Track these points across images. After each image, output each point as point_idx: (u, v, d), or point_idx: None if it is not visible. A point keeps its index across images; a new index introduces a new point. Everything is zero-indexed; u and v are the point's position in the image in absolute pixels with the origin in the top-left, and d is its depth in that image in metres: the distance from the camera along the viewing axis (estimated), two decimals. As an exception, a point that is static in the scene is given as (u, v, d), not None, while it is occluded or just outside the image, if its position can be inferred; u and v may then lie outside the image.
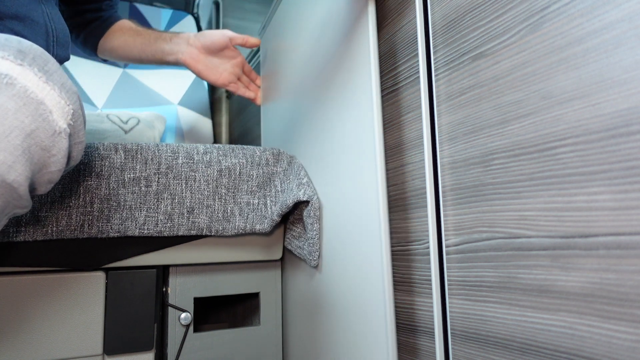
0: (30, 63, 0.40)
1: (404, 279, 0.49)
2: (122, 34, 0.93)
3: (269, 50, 0.90)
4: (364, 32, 0.52)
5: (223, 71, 0.89)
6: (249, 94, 0.92)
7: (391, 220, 0.51)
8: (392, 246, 0.51)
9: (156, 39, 0.89)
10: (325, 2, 0.64)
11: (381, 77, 0.55)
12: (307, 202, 0.62)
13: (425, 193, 0.45)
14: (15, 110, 0.37)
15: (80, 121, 0.44)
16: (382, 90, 0.54)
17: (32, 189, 0.42)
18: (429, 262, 0.45)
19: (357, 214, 0.52)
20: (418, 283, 0.46)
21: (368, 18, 0.51)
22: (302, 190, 0.62)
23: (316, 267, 0.63)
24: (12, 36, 0.41)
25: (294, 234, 0.69)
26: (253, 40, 0.87)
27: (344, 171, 0.56)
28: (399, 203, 0.50)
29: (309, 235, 0.62)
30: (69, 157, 0.44)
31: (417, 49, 0.47)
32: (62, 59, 0.72)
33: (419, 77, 0.47)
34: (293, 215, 0.69)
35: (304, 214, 0.63)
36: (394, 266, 0.51)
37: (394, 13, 0.52)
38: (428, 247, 0.45)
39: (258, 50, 1.01)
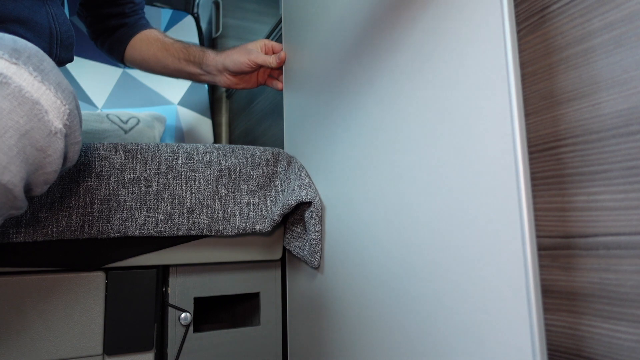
0: (25, 62, 0.39)
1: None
2: (150, 45, 0.90)
3: (293, 17, 0.77)
4: None
5: (255, 75, 0.86)
6: (280, 86, 0.84)
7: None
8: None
9: (187, 62, 0.88)
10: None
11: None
12: (309, 203, 0.62)
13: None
14: (9, 110, 0.37)
15: (77, 121, 0.43)
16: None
17: (27, 189, 0.41)
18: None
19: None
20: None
21: None
22: (305, 191, 0.61)
23: (317, 268, 0.63)
24: (7, 35, 0.41)
25: (294, 234, 0.69)
26: (283, 56, 0.79)
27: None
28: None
29: (310, 236, 0.62)
30: (65, 158, 0.43)
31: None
32: (65, 61, 0.72)
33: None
34: (293, 215, 0.69)
35: (306, 215, 0.63)
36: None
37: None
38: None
39: (279, 22, 0.90)
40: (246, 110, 1.22)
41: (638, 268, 0.28)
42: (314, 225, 0.61)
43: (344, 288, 0.55)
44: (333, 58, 0.60)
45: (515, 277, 0.30)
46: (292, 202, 0.61)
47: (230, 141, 1.38)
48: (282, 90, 0.81)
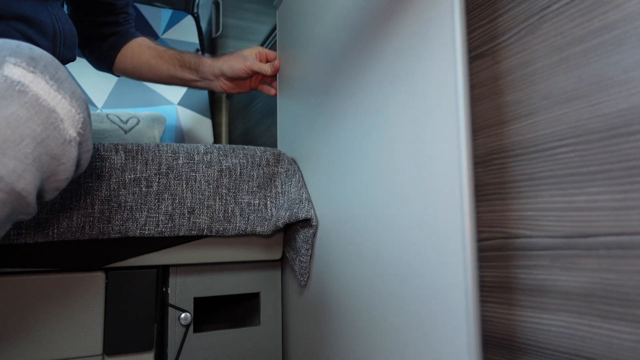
0: (42, 71, 0.40)
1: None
2: (142, 53, 0.91)
3: (287, 26, 0.80)
4: None
5: (249, 81, 0.89)
6: (273, 92, 0.87)
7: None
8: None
9: (182, 68, 0.89)
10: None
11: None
12: (306, 222, 0.64)
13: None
14: (27, 119, 0.37)
15: (89, 130, 0.44)
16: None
17: (39, 196, 0.42)
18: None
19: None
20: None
21: None
22: (306, 208, 0.63)
23: (304, 286, 0.66)
24: (24, 43, 0.41)
25: (291, 244, 0.70)
26: (277, 65, 0.83)
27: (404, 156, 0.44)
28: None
29: (301, 258, 0.65)
30: (77, 165, 0.44)
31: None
32: (67, 60, 0.72)
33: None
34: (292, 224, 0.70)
35: (300, 237, 0.65)
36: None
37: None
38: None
39: (274, 29, 0.93)
40: (246, 111, 1.22)
41: (638, 268, 0.28)
42: (306, 249, 0.64)
43: (331, 295, 0.55)
44: (322, 68, 0.64)
45: (455, 274, 0.35)
46: (302, 215, 0.62)
47: (230, 141, 1.38)
48: (274, 96, 0.85)
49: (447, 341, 0.36)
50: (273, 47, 0.88)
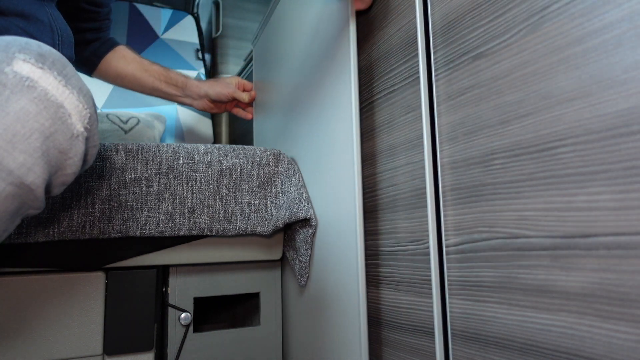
0: (50, 67, 0.40)
1: (404, 279, 0.49)
2: (127, 64, 0.98)
3: (261, 58, 0.99)
4: (345, 48, 0.55)
5: (226, 104, 1.03)
6: (249, 116, 1.04)
7: (391, 221, 0.51)
8: (392, 246, 0.51)
9: (167, 84, 0.99)
10: (312, 17, 0.67)
11: (376, 80, 0.56)
12: (305, 222, 0.64)
13: (425, 193, 0.45)
14: (36, 113, 0.38)
15: (96, 125, 0.44)
16: (377, 93, 0.56)
17: (46, 190, 0.42)
18: (429, 262, 0.45)
19: (336, 218, 0.57)
20: (418, 283, 0.46)
21: (350, 35, 0.54)
22: (306, 208, 0.63)
23: (304, 286, 0.66)
24: (32, 40, 0.42)
25: (291, 244, 0.70)
26: (254, 95, 1.00)
27: (327, 175, 0.61)
28: (399, 203, 0.50)
29: (301, 258, 0.65)
30: (84, 161, 0.44)
31: (417, 49, 0.47)
32: (67, 58, 0.72)
33: (419, 77, 0.47)
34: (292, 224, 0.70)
35: (300, 236, 0.65)
36: (393, 266, 0.51)
37: (393, 14, 0.52)
38: (428, 247, 0.45)
39: (251, 60, 1.11)
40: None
41: (638, 268, 0.28)
42: (306, 249, 0.64)
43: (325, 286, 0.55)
44: (286, 94, 0.80)
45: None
46: (302, 215, 0.63)
47: (231, 141, 1.38)
48: (251, 119, 1.04)
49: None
50: (248, 77, 1.06)
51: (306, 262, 0.65)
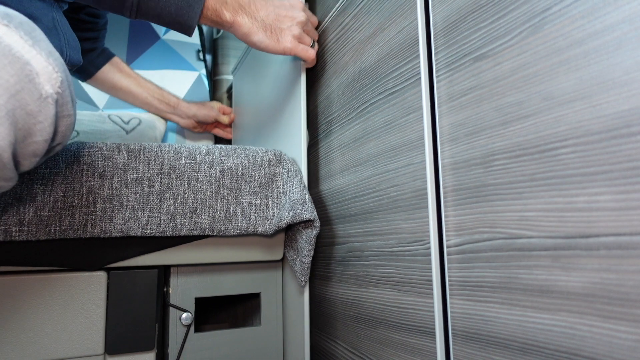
0: (17, 26, 0.38)
1: (405, 279, 0.49)
2: (123, 78, 1.07)
3: (239, 89, 1.16)
4: (298, 94, 0.72)
5: (207, 125, 1.19)
6: (229, 136, 1.20)
7: (392, 221, 0.51)
8: (392, 247, 0.51)
9: (160, 101, 1.12)
10: (277, 63, 0.83)
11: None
12: (308, 223, 0.65)
13: (426, 194, 0.45)
14: None
15: (68, 93, 0.41)
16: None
17: (15, 162, 0.39)
18: (429, 263, 0.45)
19: None
20: (419, 283, 0.46)
21: (301, 85, 0.71)
22: (310, 209, 0.64)
23: (304, 287, 0.67)
24: (1, 5, 0.40)
25: (292, 244, 0.71)
26: (233, 117, 1.18)
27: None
28: (400, 204, 0.50)
29: (303, 259, 0.65)
30: (55, 131, 0.41)
31: (418, 50, 0.48)
32: (74, 63, 0.74)
33: (420, 78, 0.47)
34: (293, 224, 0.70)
35: (302, 237, 0.65)
36: (394, 267, 0.51)
37: (395, 15, 0.52)
38: (429, 248, 0.45)
39: (230, 88, 1.31)
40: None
41: (639, 268, 0.28)
42: (309, 250, 0.65)
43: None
44: (256, 121, 0.97)
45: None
46: (306, 216, 0.63)
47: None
48: (230, 139, 1.20)
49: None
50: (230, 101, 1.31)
51: (308, 262, 0.65)
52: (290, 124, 0.74)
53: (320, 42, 0.73)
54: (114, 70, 1.05)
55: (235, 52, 1.42)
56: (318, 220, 0.64)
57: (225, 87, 1.34)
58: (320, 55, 0.73)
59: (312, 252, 0.65)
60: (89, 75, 1.04)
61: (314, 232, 0.64)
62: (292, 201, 0.65)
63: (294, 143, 0.72)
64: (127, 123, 1.10)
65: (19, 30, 0.38)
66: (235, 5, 0.61)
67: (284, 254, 0.74)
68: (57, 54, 0.41)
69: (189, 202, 0.63)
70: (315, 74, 0.75)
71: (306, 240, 0.64)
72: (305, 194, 0.66)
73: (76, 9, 0.93)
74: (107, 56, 1.05)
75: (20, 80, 0.37)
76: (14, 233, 0.55)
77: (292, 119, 0.73)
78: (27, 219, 0.55)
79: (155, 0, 0.57)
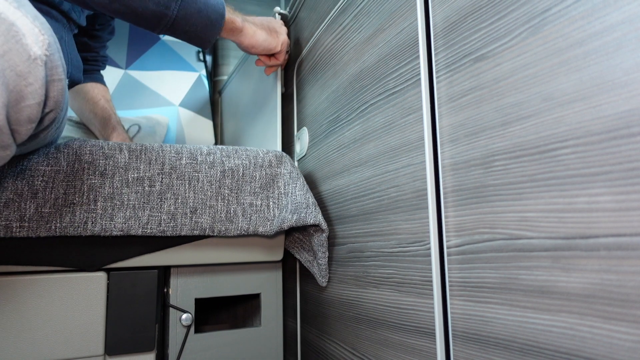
0: None
1: (405, 280, 0.49)
2: (99, 103, 1.01)
3: (225, 104, 1.31)
4: (274, 107, 0.86)
5: None
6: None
7: (392, 222, 0.51)
8: (392, 247, 0.51)
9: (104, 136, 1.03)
10: (258, 84, 0.98)
11: (382, 80, 0.56)
12: (316, 228, 0.65)
13: (426, 194, 0.45)
14: None
15: (58, 57, 0.41)
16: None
17: (12, 130, 0.39)
18: (430, 263, 0.45)
19: None
20: (419, 284, 0.46)
21: (277, 102, 0.86)
22: (314, 213, 0.64)
23: (325, 286, 0.68)
24: None
25: (304, 246, 0.71)
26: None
27: None
28: (400, 204, 0.50)
29: (320, 261, 0.66)
30: (46, 96, 0.41)
31: (418, 51, 0.48)
32: (75, 80, 0.76)
33: (420, 79, 0.47)
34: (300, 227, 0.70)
35: (315, 241, 0.66)
36: (394, 267, 0.51)
37: (395, 16, 0.52)
38: (429, 248, 0.45)
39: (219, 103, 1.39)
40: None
41: (639, 269, 0.28)
42: (323, 252, 0.65)
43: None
44: (238, 134, 1.15)
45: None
46: (310, 220, 0.63)
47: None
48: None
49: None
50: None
51: (325, 264, 0.66)
52: (268, 126, 0.86)
53: (318, 44, 0.73)
54: (87, 93, 1.02)
55: (236, 52, 1.42)
56: (325, 223, 0.64)
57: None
58: (320, 55, 0.73)
59: (327, 252, 0.66)
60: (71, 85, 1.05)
61: (325, 235, 0.65)
62: (295, 204, 0.65)
63: (271, 145, 0.84)
64: (127, 131, 1.10)
65: None
66: (239, 15, 0.73)
67: (285, 254, 0.74)
68: (42, 18, 0.41)
69: (190, 202, 0.63)
70: (315, 75, 0.75)
71: (318, 243, 0.65)
72: (309, 197, 0.66)
73: (83, 32, 0.96)
74: (89, 78, 1.03)
75: (7, 40, 0.36)
76: (14, 229, 0.55)
77: (270, 122, 0.84)
78: (28, 215, 0.55)
79: (187, 21, 0.62)
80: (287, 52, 0.85)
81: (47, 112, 0.43)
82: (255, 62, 0.86)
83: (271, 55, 0.81)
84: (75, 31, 0.76)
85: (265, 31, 0.75)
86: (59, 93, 0.42)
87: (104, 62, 1.10)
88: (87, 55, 1.01)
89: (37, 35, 0.39)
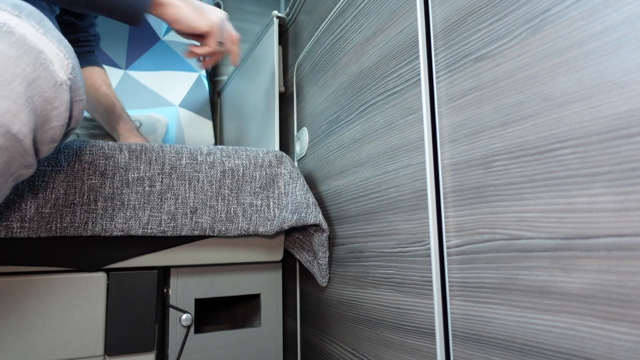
0: (27, 16, 0.39)
1: (405, 280, 0.49)
2: (101, 90, 0.98)
3: (224, 104, 1.33)
4: (272, 107, 0.88)
5: None
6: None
7: (392, 222, 0.51)
8: (392, 247, 0.51)
9: (112, 130, 1.00)
10: (255, 88, 1.00)
11: (382, 80, 0.56)
12: (316, 228, 0.65)
13: (426, 195, 0.45)
14: (16, 58, 0.36)
15: (80, 78, 0.43)
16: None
17: (35, 149, 0.41)
18: (429, 264, 0.45)
19: None
20: (419, 284, 0.46)
21: (275, 104, 0.86)
22: (314, 213, 0.64)
23: (325, 286, 0.68)
24: None
25: (304, 246, 0.71)
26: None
27: None
28: (400, 204, 0.50)
29: (320, 261, 0.66)
30: (70, 116, 0.42)
31: (418, 51, 0.48)
32: None
33: (420, 79, 0.47)
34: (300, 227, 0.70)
35: (315, 241, 0.66)
36: (394, 267, 0.51)
37: (395, 16, 0.52)
38: (429, 249, 0.45)
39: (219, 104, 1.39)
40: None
41: (639, 269, 0.28)
42: (323, 252, 0.65)
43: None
44: (236, 134, 1.16)
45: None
46: (311, 220, 0.63)
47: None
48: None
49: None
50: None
51: (325, 264, 0.66)
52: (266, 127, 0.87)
53: (318, 45, 0.73)
54: (93, 77, 0.99)
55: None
56: (325, 223, 0.64)
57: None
58: (320, 56, 0.73)
59: (327, 252, 0.66)
60: None
61: (325, 235, 0.65)
62: (296, 204, 0.65)
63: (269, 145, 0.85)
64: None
65: (30, 20, 0.39)
66: None
67: (285, 254, 0.74)
68: (65, 41, 0.42)
69: (190, 202, 0.63)
70: (315, 75, 0.75)
71: (319, 243, 0.65)
72: (309, 197, 0.66)
73: (65, 11, 0.93)
74: (86, 62, 1.01)
75: (36, 68, 0.38)
76: (15, 229, 0.55)
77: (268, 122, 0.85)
78: (28, 216, 0.55)
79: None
80: (221, 43, 0.78)
81: (69, 130, 0.45)
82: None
83: (202, 43, 0.77)
84: (58, 12, 0.75)
85: (192, 8, 0.72)
86: (79, 112, 0.44)
87: (97, 41, 1.06)
88: (77, 36, 0.98)
89: (62, 60, 0.40)
